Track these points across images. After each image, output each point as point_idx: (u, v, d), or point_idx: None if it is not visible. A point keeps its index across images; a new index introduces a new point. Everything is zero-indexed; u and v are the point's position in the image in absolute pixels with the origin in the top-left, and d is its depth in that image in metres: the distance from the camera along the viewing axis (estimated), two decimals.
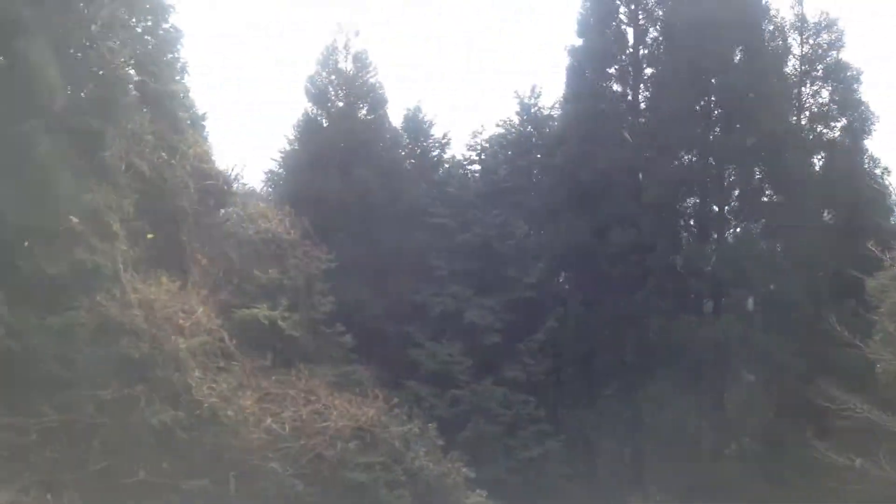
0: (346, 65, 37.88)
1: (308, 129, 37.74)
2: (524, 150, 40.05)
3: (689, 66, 34.36)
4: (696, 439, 33.79)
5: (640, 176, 35.58)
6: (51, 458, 17.00)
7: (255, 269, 26.39)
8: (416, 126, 40.31)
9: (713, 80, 34.51)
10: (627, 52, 37.76)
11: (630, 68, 37.67)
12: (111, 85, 22.09)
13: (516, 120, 40.71)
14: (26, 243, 18.11)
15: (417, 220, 36.35)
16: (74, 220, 19.02)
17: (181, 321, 19.10)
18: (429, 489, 24.70)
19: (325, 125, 37.65)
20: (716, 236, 35.01)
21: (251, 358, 21.39)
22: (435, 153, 40.79)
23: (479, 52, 76.36)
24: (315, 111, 37.92)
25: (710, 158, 34.85)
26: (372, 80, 38.03)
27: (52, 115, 19.10)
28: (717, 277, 33.85)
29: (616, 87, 38.04)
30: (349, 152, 36.71)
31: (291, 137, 38.39)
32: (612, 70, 37.58)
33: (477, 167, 40.38)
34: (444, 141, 40.55)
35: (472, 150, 40.01)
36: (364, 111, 38.12)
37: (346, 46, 37.62)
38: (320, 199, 34.06)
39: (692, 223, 35.53)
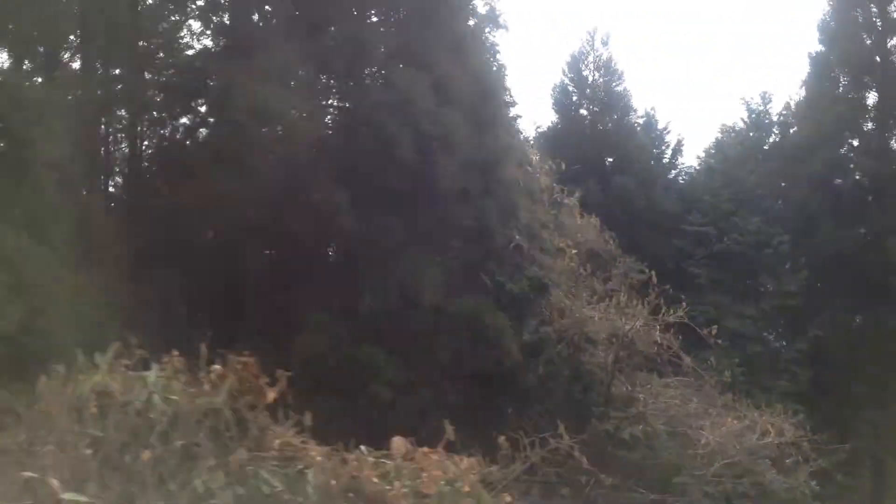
0: (594, 73, 38.12)
1: (555, 137, 37.93)
2: (760, 157, 39.80)
3: None
4: None
5: None
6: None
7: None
8: (651, 131, 40.33)
9: None
10: (875, 58, 37.21)
11: (880, 74, 37.10)
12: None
13: (742, 125, 40.87)
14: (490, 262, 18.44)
15: (674, 227, 36.41)
16: (517, 237, 19.38)
17: (632, 336, 19.28)
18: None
19: (572, 133, 37.81)
20: None
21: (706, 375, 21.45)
22: (667, 159, 40.84)
23: (692, 55, 75.63)
24: (562, 120, 38.19)
25: None
26: (618, 89, 38.22)
27: None
28: None
29: (865, 94, 37.50)
30: (602, 161, 36.89)
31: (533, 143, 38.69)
32: (862, 76, 37.02)
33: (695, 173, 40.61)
34: (677, 147, 40.65)
35: (711, 158, 40.03)
36: (610, 120, 38.29)
37: (594, 54, 37.88)
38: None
39: None
